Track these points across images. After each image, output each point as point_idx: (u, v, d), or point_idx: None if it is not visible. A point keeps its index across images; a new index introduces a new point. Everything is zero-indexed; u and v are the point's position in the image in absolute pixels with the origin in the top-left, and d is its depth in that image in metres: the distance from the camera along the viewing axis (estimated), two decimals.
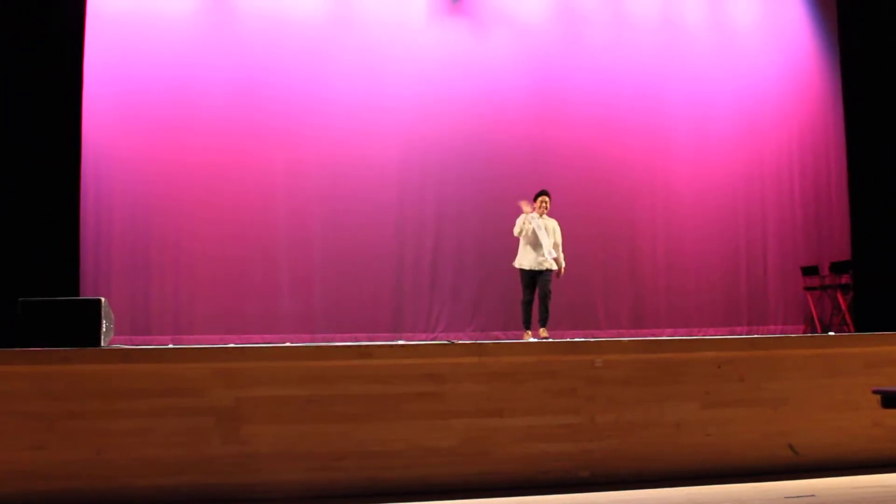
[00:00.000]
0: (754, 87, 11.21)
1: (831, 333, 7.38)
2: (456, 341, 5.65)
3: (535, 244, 9.03)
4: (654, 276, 10.71)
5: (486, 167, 10.30)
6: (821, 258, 11.11)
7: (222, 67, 9.73)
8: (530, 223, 9.02)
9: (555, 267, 9.08)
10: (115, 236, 9.37)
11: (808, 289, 10.98)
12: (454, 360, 5.26)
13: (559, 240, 9.24)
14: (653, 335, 9.63)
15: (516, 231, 9.04)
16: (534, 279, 9.06)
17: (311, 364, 5.14)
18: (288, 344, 6.51)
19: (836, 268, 10.83)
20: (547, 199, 9.18)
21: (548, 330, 9.02)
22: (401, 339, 8.50)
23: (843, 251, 10.91)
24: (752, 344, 5.77)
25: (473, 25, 10.49)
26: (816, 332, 10.35)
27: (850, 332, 10.01)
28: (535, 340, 7.65)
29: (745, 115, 11.17)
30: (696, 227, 10.89)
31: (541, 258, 9.03)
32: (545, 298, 9.04)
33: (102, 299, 5.53)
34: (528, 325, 9.16)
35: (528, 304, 9.14)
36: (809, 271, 11.00)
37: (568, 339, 7.26)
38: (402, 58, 10.23)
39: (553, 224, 9.22)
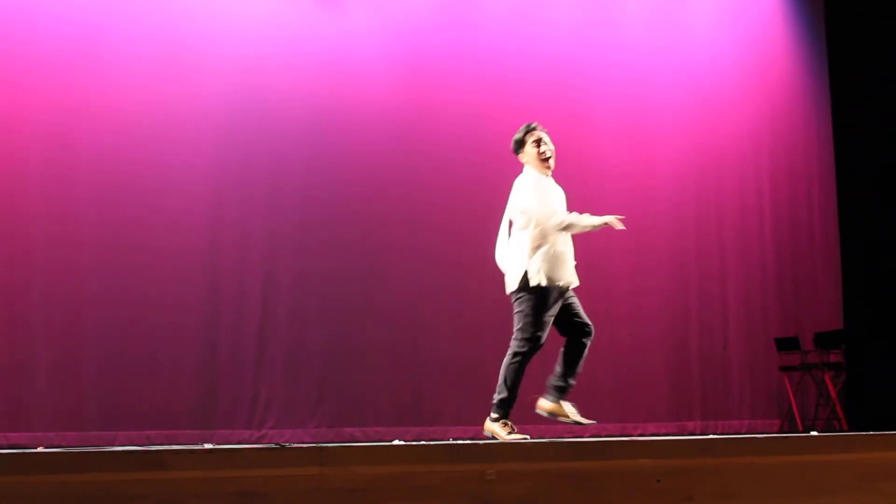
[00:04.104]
0: (704, 68, 11.67)
1: (814, 433, 7.60)
2: (288, 444, 5.61)
3: (563, 234, 6.99)
4: None
5: (337, 180, 10.36)
6: (802, 326, 11.39)
7: None
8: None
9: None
10: None
11: (784, 369, 11.23)
12: (284, 472, 5.16)
13: None
14: (569, 435, 9.71)
15: (557, 219, 6.92)
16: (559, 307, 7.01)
17: (74, 478, 5.02)
18: (40, 449, 6.37)
19: (823, 340, 11.01)
20: (546, 139, 7.18)
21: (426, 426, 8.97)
22: (208, 443, 8.37)
23: (832, 316, 11.22)
24: (704, 448, 5.82)
25: None
26: (796, 431, 10.56)
27: (841, 429, 10.25)
28: (401, 444, 7.57)
29: (690, 117, 11.60)
30: (627, 274, 11.07)
31: (574, 263, 7.06)
32: (582, 342, 7.04)
33: None
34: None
35: (528, 357, 6.93)
36: (786, 345, 11.22)
37: (448, 441, 7.27)
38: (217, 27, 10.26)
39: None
